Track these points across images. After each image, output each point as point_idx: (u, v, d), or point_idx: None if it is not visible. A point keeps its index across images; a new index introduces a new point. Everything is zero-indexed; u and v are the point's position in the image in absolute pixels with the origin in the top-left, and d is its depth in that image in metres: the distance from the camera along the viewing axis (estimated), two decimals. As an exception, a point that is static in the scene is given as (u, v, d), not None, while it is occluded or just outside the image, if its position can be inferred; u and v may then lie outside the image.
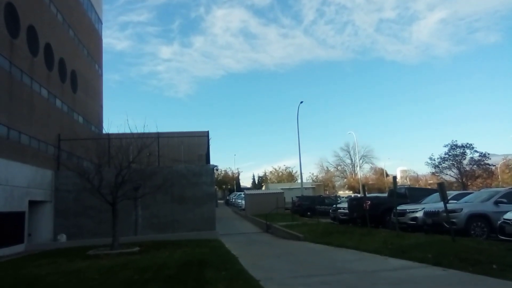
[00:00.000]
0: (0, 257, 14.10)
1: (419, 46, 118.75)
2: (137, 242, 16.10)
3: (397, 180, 16.28)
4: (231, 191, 69.45)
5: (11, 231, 16.04)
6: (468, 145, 42.18)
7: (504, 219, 10.41)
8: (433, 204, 13.77)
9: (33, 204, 17.78)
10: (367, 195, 17.84)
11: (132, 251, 13.39)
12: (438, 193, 11.74)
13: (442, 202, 10.79)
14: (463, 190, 30.33)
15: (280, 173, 77.94)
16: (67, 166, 18.78)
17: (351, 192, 64.27)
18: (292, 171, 76.70)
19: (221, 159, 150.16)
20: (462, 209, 12.18)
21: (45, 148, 20.20)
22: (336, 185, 79.16)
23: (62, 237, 18.23)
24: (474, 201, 13.07)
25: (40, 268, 10.45)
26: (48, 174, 19.38)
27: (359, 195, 29.97)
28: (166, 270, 8.69)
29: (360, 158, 74.72)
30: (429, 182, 62.75)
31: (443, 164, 43.85)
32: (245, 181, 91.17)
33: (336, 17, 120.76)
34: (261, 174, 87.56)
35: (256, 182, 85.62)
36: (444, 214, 10.98)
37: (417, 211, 14.31)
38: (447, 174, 44.36)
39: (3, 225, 15.39)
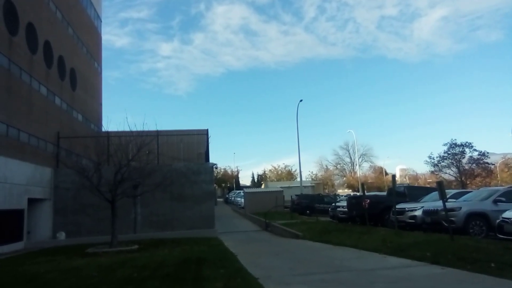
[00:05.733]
0: (-1, 254, 14.11)
1: (420, 44, 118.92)
2: (136, 240, 16.12)
3: (396, 178, 16.29)
4: (230, 189, 69.45)
5: (10, 229, 16.04)
6: (467, 144, 42.38)
7: (503, 217, 10.44)
8: (432, 202, 13.78)
9: (32, 201, 17.77)
10: (366, 193, 17.87)
11: (131, 249, 13.40)
12: (437, 192, 11.76)
13: (441, 201, 10.80)
14: (462, 188, 30.42)
15: (280, 172, 77.92)
16: (66, 164, 18.75)
17: (350, 190, 64.36)
18: (292, 169, 76.85)
19: (221, 158, 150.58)
20: (461, 207, 12.20)
21: (44, 146, 20.18)
22: (335, 184, 79.34)
23: (61, 235, 18.24)
24: (473, 199, 13.08)
25: (39, 265, 10.46)
26: (47, 171, 19.36)
27: (358, 194, 30.00)
28: (165, 268, 8.68)
29: (360, 157, 74.96)
30: (428, 180, 62.87)
31: (442, 163, 44.01)
32: (245, 180, 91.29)
33: (337, 14, 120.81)
34: (261, 172, 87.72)
35: (256, 180, 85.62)
36: (443, 213, 10.97)
37: (416, 210, 14.32)
38: (446, 173, 44.53)
39: (2, 223, 15.37)
